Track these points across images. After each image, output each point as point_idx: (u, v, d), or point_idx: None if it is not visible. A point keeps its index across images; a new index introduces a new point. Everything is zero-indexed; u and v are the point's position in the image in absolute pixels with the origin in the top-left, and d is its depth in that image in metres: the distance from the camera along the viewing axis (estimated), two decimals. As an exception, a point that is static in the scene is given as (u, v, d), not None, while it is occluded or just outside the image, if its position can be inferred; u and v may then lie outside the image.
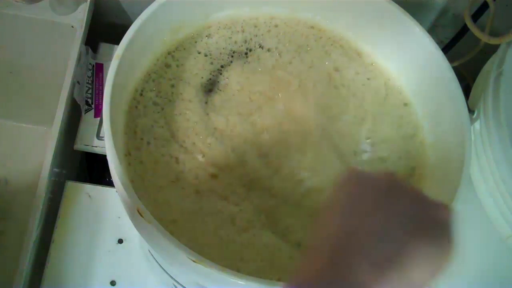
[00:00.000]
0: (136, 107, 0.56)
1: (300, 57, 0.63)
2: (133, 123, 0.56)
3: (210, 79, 0.60)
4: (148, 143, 0.55)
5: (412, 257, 0.31)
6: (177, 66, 0.60)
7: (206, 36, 0.62)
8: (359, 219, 0.33)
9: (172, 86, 0.59)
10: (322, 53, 0.64)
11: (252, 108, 0.59)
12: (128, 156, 0.53)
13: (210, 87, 0.60)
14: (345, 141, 0.59)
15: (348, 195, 0.35)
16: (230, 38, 0.62)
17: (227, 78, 0.60)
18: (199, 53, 0.61)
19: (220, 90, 0.60)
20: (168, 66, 0.60)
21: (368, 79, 0.63)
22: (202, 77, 0.60)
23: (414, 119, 0.61)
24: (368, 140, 0.59)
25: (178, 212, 0.52)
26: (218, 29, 0.63)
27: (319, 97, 0.60)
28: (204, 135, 0.56)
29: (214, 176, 0.54)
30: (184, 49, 0.61)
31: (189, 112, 0.58)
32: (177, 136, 0.56)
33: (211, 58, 0.61)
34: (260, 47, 0.63)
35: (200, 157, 0.55)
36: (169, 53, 0.60)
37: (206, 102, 0.59)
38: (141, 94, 0.57)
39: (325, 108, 0.60)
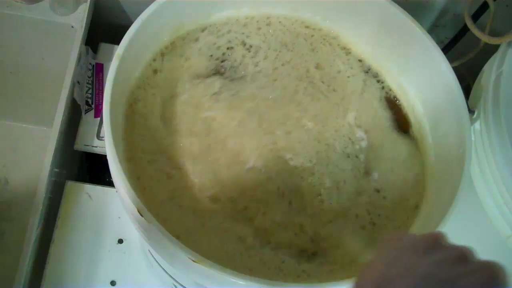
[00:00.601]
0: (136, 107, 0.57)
1: (279, 54, 0.63)
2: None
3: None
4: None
5: None
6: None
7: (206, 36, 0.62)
8: (399, 269, 0.33)
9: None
10: (307, 51, 0.64)
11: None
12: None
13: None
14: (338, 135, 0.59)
15: (392, 249, 0.35)
16: (218, 38, 0.63)
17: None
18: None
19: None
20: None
21: (349, 77, 0.63)
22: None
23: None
24: (360, 128, 0.60)
25: (180, 228, 0.51)
26: (217, 30, 0.63)
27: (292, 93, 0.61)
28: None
29: (213, 199, 0.54)
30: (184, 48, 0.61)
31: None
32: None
33: (211, 58, 0.61)
34: (243, 44, 0.62)
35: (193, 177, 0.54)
36: (169, 53, 0.60)
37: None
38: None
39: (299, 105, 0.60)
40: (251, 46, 0.62)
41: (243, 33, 0.63)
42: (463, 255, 0.34)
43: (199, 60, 0.61)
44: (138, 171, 0.53)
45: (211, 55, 0.61)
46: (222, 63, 0.61)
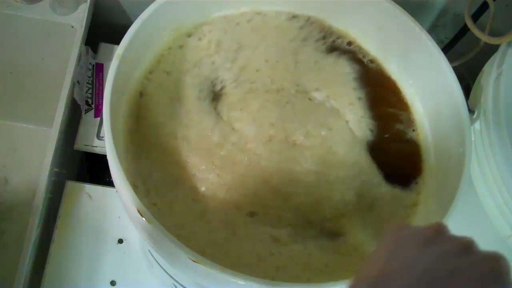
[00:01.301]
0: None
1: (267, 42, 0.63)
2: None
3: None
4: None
5: None
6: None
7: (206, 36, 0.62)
8: (400, 263, 0.33)
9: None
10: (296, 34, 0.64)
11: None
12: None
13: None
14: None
15: (392, 241, 0.35)
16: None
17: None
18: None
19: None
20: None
21: None
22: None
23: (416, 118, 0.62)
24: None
25: (207, 243, 0.50)
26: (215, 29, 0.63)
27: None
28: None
29: (251, 214, 0.53)
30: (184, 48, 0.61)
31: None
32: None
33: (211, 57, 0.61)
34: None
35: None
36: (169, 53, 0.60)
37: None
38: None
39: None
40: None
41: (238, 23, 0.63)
42: (465, 247, 0.33)
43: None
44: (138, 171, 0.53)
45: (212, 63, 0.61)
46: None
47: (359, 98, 0.62)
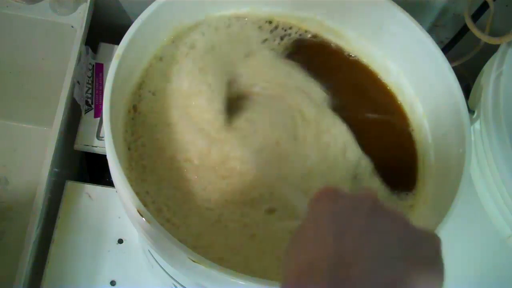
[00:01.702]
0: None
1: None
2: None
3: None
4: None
5: (409, 285, 0.30)
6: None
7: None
8: (353, 242, 0.31)
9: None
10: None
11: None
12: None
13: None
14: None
15: (331, 214, 0.33)
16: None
17: None
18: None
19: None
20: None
21: None
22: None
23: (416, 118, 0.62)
24: None
25: (224, 250, 0.50)
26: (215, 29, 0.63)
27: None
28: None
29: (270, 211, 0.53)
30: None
31: None
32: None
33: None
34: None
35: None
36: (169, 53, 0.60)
37: None
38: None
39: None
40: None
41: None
42: (404, 221, 0.34)
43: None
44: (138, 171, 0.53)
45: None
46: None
47: (358, 98, 0.62)
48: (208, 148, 0.55)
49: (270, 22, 0.64)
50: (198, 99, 0.57)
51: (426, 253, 0.32)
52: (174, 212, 0.52)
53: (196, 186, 0.54)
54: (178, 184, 0.54)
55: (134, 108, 0.56)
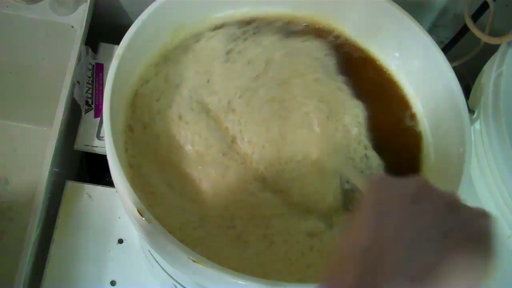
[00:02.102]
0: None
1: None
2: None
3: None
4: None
5: (450, 270, 0.30)
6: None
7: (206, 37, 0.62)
8: (392, 229, 0.31)
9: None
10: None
11: None
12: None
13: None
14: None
15: (377, 202, 0.33)
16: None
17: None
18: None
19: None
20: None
21: None
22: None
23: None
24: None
25: (240, 263, 0.50)
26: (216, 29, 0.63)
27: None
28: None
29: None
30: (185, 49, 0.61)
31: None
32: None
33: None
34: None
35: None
36: (169, 53, 0.60)
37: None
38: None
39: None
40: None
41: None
42: (451, 204, 0.33)
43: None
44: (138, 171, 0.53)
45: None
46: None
47: (357, 98, 0.62)
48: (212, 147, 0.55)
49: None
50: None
51: (472, 231, 0.32)
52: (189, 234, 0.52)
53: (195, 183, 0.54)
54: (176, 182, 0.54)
55: (135, 107, 0.56)
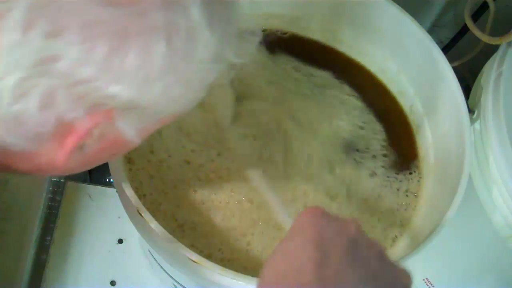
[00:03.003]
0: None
1: None
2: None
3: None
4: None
5: None
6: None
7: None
8: (333, 272, 0.31)
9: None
10: None
11: None
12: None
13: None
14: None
15: (318, 237, 0.33)
16: None
17: None
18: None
19: None
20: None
21: None
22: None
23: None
24: None
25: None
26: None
27: None
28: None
29: None
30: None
31: None
32: None
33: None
34: None
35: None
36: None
37: None
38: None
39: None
40: None
41: None
42: (381, 253, 0.34)
43: None
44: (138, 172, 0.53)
45: None
46: None
47: (356, 97, 0.62)
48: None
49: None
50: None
51: (398, 283, 0.33)
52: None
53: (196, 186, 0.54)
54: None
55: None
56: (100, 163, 0.37)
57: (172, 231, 0.47)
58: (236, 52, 0.34)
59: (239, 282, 0.43)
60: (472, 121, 0.59)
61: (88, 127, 0.30)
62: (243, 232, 0.52)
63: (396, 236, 0.55)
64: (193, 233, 0.51)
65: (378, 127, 0.61)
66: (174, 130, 0.56)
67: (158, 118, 0.34)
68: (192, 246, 0.49)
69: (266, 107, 0.59)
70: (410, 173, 0.59)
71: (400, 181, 0.58)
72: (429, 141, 0.60)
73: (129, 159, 0.54)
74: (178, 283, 0.58)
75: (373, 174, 0.58)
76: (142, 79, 0.30)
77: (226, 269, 0.43)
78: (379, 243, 0.35)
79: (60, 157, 0.32)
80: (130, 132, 0.32)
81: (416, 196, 0.58)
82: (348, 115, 0.61)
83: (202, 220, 0.52)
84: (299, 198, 0.55)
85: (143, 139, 0.34)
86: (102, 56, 0.28)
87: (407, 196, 0.58)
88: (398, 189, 0.58)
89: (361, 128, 0.61)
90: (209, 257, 0.49)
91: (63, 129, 0.30)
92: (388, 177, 0.58)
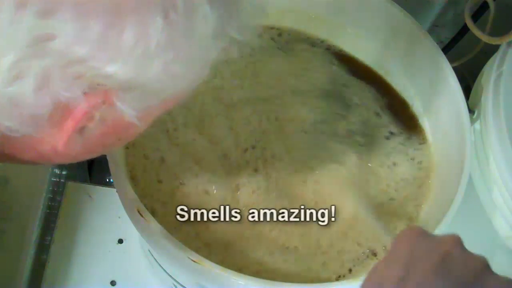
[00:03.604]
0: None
1: None
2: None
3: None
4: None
5: None
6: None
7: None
8: (416, 283, 0.32)
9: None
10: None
11: None
12: None
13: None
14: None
15: (408, 255, 0.33)
16: None
17: None
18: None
19: None
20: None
21: None
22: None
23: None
24: None
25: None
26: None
27: None
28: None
29: None
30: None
31: None
32: None
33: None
34: None
35: None
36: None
37: None
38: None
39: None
40: None
41: None
42: (476, 273, 0.33)
43: None
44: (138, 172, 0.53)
45: None
46: None
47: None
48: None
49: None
50: None
51: None
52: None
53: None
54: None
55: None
56: (105, 150, 0.36)
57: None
58: (239, 28, 0.32)
59: (239, 281, 0.43)
60: (472, 121, 0.59)
61: (86, 109, 0.29)
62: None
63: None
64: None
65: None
66: None
67: (159, 100, 0.32)
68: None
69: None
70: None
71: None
72: (429, 141, 0.60)
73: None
74: (178, 283, 0.58)
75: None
76: (139, 56, 0.28)
77: (226, 269, 0.43)
78: (482, 259, 0.34)
79: (61, 142, 0.31)
80: (131, 113, 0.30)
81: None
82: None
83: None
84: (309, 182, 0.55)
85: (147, 123, 0.33)
86: (97, 33, 0.27)
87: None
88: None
89: None
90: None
91: (61, 111, 0.29)
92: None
